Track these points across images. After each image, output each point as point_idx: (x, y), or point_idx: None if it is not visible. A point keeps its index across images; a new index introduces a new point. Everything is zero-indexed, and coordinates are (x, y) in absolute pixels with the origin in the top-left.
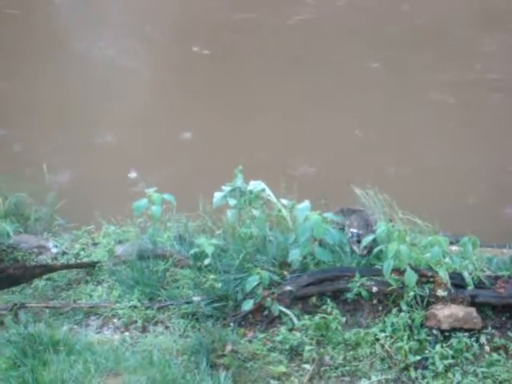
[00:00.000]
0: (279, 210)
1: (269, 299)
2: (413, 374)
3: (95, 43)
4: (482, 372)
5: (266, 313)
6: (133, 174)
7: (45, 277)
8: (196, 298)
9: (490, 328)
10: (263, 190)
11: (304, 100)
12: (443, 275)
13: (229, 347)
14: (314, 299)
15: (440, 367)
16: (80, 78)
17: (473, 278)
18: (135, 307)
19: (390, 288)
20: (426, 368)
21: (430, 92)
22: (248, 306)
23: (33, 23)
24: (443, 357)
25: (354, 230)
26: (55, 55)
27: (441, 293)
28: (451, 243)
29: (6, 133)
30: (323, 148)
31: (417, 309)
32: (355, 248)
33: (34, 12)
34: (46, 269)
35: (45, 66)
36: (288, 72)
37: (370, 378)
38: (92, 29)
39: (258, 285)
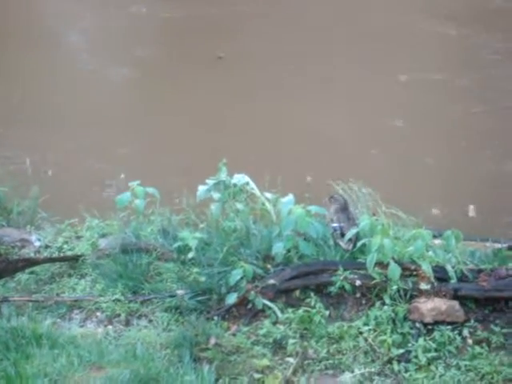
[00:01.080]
0: (263, 204)
1: (252, 293)
2: (396, 367)
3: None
4: (465, 365)
5: (249, 306)
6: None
7: (28, 270)
8: (180, 292)
9: (472, 321)
10: (247, 183)
11: (285, 94)
12: (426, 269)
13: (212, 341)
14: (297, 293)
15: (423, 360)
16: (55, 75)
17: (456, 272)
18: (119, 301)
19: (374, 281)
20: (408, 361)
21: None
22: (232, 299)
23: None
24: (426, 350)
25: (335, 225)
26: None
27: (424, 286)
28: (434, 237)
29: None
30: (306, 142)
31: (400, 302)
32: (341, 243)
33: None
34: (29, 262)
35: (21, 63)
36: (266, 66)
37: (353, 371)
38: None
39: (241, 278)
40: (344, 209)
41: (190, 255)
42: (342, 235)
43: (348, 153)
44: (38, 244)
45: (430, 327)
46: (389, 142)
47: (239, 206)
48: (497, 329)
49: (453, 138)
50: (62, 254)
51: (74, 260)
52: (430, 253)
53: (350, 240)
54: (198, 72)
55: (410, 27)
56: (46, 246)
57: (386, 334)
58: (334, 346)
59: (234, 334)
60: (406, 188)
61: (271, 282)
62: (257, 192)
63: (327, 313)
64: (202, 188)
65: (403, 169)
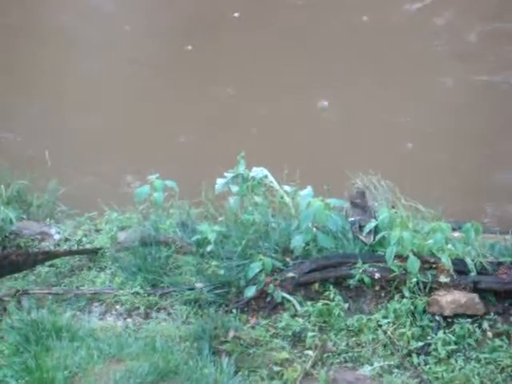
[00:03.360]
0: (282, 197)
1: (271, 286)
2: (415, 360)
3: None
4: (485, 358)
5: (268, 299)
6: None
7: (47, 263)
8: (198, 285)
9: (492, 314)
10: (265, 176)
11: (304, 86)
12: (446, 261)
13: (231, 333)
14: (316, 285)
15: (442, 353)
16: (71, 68)
17: (475, 264)
18: (138, 294)
19: (393, 274)
20: (428, 354)
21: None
22: (251, 292)
23: None
24: (446, 343)
25: (352, 219)
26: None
27: (443, 279)
28: (454, 229)
29: (8, 120)
30: (325, 135)
31: (419, 295)
32: (360, 236)
33: None
34: (49, 255)
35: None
36: (287, 50)
37: (372, 364)
38: None
39: (260, 271)
40: (361, 202)
41: (209, 248)
42: (361, 228)
43: (367, 145)
44: (57, 237)
45: (449, 320)
46: (407, 134)
47: (258, 199)
48: None
49: (469, 131)
50: (81, 247)
51: (93, 253)
52: (450, 246)
53: (369, 232)
54: (215, 63)
55: None
56: (66, 239)
57: (405, 326)
58: (353, 338)
59: (252, 327)
60: (425, 180)
61: (290, 274)
62: (275, 185)
63: (346, 306)
64: (220, 181)
65: (422, 161)
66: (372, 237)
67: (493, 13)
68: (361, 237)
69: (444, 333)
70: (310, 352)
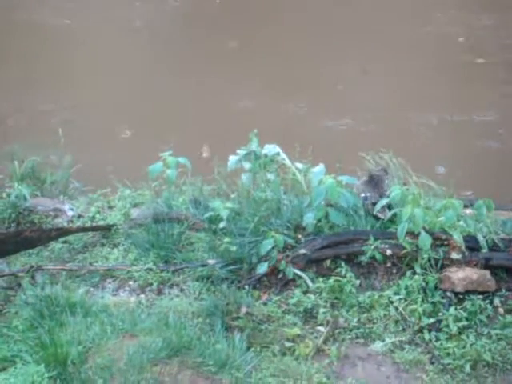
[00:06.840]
0: (294, 174)
1: (283, 262)
2: (427, 336)
3: None
4: (496, 334)
5: (280, 276)
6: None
7: (61, 239)
8: (211, 261)
9: (503, 290)
10: (278, 153)
11: (317, 66)
12: (457, 238)
13: (243, 309)
14: (328, 262)
15: (454, 329)
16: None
17: (487, 241)
18: (151, 270)
19: (405, 251)
20: (439, 330)
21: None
22: (263, 268)
23: None
24: (457, 319)
25: (363, 195)
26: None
27: (455, 256)
28: (465, 206)
29: (21, 98)
30: (338, 113)
31: (431, 271)
32: (377, 213)
33: None
34: (63, 231)
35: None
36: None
37: (383, 340)
38: None
39: (272, 248)
40: (372, 181)
41: (222, 225)
42: (374, 204)
43: (379, 123)
44: (71, 213)
45: (460, 296)
46: (420, 110)
47: (270, 176)
48: None
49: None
50: (94, 224)
51: (106, 229)
52: (461, 222)
53: (382, 208)
54: (231, 42)
55: None
56: (79, 216)
57: (416, 303)
58: (365, 315)
59: (264, 303)
60: (438, 156)
61: (302, 251)
62: (288, 162)
63: (358, 282)
64: (232, 158)
65: (434, 136)
66: (387, 212)
67: None
68: (378, 214)
69: (455, 309)
70: (321, 328)
